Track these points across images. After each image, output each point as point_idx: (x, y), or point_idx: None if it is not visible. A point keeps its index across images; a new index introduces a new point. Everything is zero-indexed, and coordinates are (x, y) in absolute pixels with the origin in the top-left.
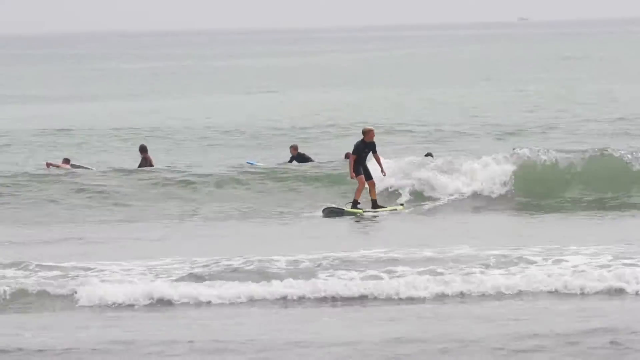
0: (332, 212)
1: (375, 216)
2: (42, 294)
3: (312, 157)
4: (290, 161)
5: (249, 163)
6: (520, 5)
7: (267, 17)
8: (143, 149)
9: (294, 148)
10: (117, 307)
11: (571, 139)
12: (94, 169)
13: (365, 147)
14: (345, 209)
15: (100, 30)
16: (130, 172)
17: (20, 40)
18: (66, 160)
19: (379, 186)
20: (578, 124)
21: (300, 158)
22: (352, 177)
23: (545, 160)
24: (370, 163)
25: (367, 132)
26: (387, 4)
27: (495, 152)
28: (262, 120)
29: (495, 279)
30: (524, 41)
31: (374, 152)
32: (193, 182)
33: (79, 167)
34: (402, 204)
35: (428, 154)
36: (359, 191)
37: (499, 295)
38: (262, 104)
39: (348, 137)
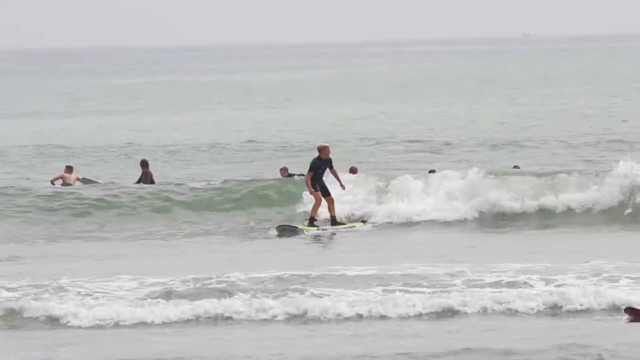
0: (285, 231)
1: (334, 233)
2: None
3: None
4: None
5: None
6: (526, 21)
7: (263, 31)
8: (144, 164)
9: (284, 170)
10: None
11: (562, 152)
12: (101, 181)
13: (321, 164)
14: (299, 227)
15: (104, 45)
16: (124, 187)
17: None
18: (69, 168)
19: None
20: (569, 139)
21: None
22: (311, 193)
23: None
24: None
25: (322, 149)
26: (392, 19)
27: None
28: (260, 135)
29: (487, 296)
30: (528, 57)
31: (331, 168)
32: (179, 198)
33: (90, 181)
34: (363, 221)
35: (432, 171)
36: (315, 208)
37: (485, 312)
38: (264, 118)
39: (357, 151)
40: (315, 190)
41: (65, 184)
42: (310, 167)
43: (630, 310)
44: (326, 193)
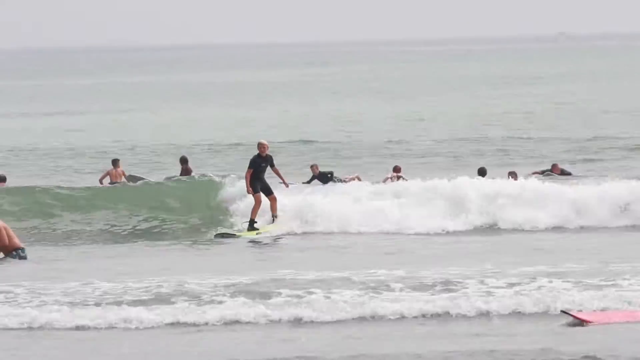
0: (224, 236)
1: (278, 238)
2: None
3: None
4: (310, 181)
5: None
6: (561, 19)
7: (267, 31)
8: (183, 160)
9: (315, 167)
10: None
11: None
12: (150, 179)
13: (262, 162)
14: (237, 234)
15: (115, 44)
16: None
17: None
18: (114, 162)
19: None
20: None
21: (322, 177)
22: (249, 192)
23: None
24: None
25: (259, 146)
26: (427, 17)
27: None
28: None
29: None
30: (563, 55)
31: (272, 166)
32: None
33: (138, 178)
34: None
35: (481, 169)
36: (255, 210)
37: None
38: (260, 117)
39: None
40: (256, 191)
41: (112, 182)
42: (250, 164)
43: (567, 315)
44: (268, 192)
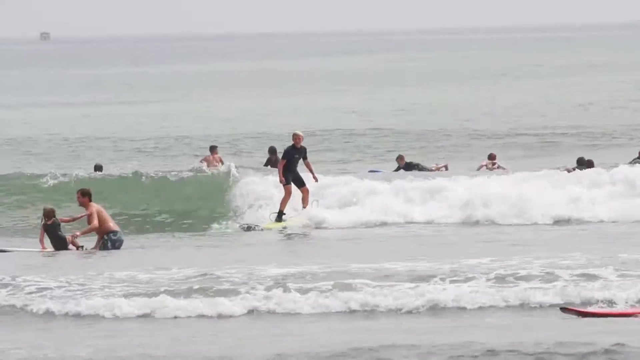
0: (249, 229)
1: (306, 234)
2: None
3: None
4: (396, 171)
5: (373, 171)
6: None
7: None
8: (272, 150)
9: (400, 158)
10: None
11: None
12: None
13: (295, 153)
14: (263, 227)
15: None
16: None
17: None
18: (213, 148)
19: None
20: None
21: (409, 168)
22: (281, 182)
23: None
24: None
25: (294, 137)
26: (499, 4)
27: None
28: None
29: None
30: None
31: (305, 158)
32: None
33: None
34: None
35: (581, 160)
36: (284, 201)
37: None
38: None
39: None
40: (287, 182)
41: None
42: (284, 154)
43: (566, 310)
44: (301, 184)
